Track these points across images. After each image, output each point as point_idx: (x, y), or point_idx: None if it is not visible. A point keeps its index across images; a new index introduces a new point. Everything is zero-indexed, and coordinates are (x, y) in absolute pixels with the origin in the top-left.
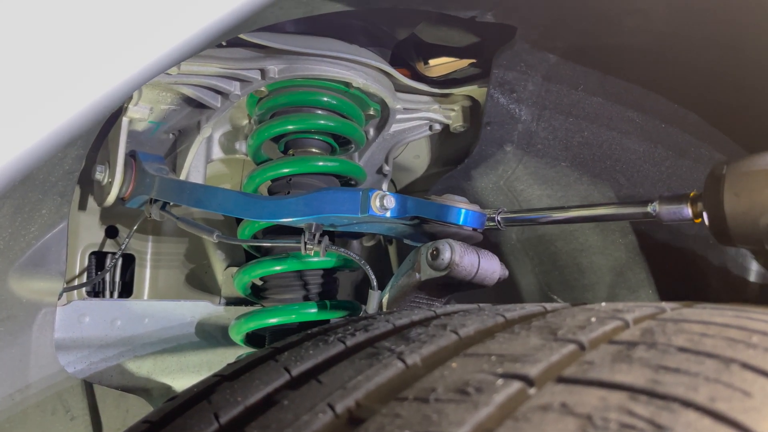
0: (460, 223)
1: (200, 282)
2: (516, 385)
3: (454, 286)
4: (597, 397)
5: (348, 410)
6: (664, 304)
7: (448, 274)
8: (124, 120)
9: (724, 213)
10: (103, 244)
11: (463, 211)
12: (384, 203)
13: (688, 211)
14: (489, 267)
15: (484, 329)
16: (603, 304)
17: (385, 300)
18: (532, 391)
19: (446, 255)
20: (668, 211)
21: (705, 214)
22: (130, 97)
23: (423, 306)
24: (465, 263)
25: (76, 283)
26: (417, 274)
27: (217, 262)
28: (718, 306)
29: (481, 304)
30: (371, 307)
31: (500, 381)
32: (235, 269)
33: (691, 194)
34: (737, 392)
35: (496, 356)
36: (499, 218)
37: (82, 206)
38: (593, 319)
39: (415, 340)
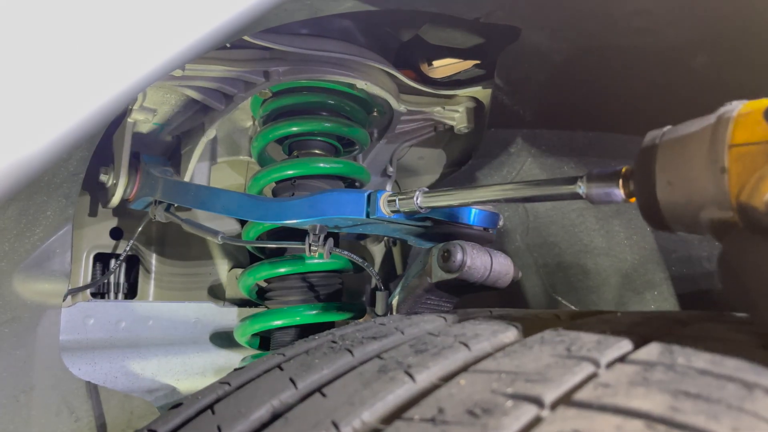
0: (472, 223)
1: (204, 283)
2: (527, 408)
3: (465, 288)
4: (612, 425)
5: (353, 430)
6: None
7: (459, 276)
8: (129, 122)
9: (657, 202)
10: (108, 246)
11: (475, 210)
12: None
13: (618, 192)
14: (502, 269)
15: (495, 341)
16: (619, 313)
17: (395, 302)
18: (543, 414)
19: (458, 257)
20: (597, 192)
21: (636, 200)
22: (135, 99)
23: (434, 308)
24: (477, 265)
25: (80, 284)
26: (428, 276)
27: (222, 264)
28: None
29: (492, 309)
30: (380, 308)
31: (510, 402)
32: (239, 271)
33: (623, 170)
34: (762, 422)
35: (506, 374)
36: (418, 201)
37: (87, 208)
38: (608, 334)
39: (423, 352)
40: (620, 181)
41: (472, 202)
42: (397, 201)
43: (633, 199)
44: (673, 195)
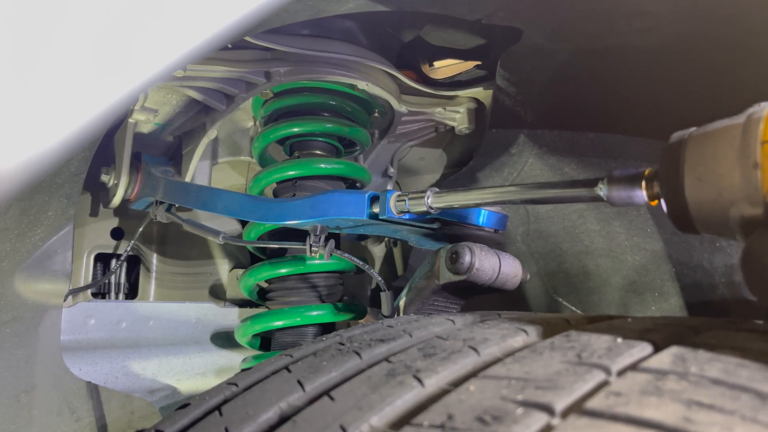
0: (481, 224)
1: (205, 284)
2: (537, 417)
3: (473, 290)
4: None
5: None
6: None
7: (468, 278)
8: (130, 122)
9: (686, 201)
10: (109, 246)
11: (484, 212)
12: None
13: (641, 194)
14: (510, 271)
15: (505, 346)
16: (630, 319)
17: (402, 303)
18: (554, 422)
19: (466, 259)
20: (619, 194)
21: (663, 201)
22: (136, 99)
23: (441, 309)
24: (485, 267)
25: (81, 284)
26: (436, 277)
27: (223, 264)
28: (749, 324)
29: (501, 312)
30: (385, 309)
31: (520, 410)
32: (240, 271)
33: (646, 172)
34: None
35: (516, 380)
36: (429, 201)
37: (88, 208)
38: (619, 340)
39: (432, 356)
40: (643, 183)
41: (485, 203)
42: (406, 201)
43: (654, 202)
44: (702, 192)
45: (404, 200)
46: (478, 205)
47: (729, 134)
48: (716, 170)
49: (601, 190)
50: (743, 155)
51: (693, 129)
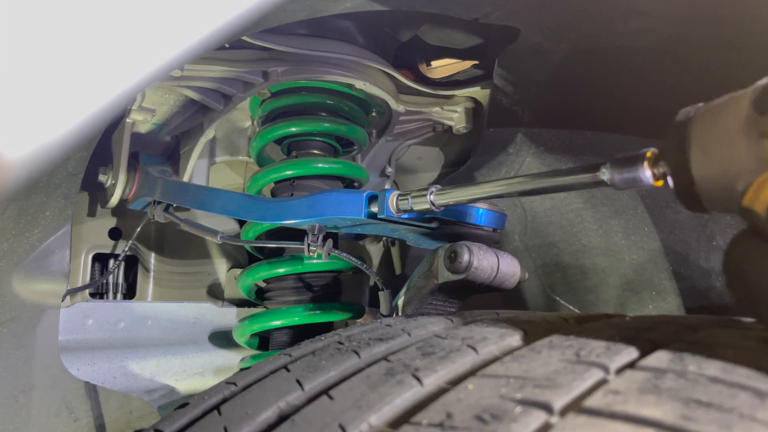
0: (480, 223)
1: (203, 283)
2: (536, 415)
3: (472, 289)
4: None
5: None
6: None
7: (466, 277)
8: (128, 122)
9: (692, 176)
10: (106, 246)
11: (483, 210)
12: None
13: (646, 174)
14: (508, 270)
15: (503, 344)
16: (628, 317)
17: (400, 302)
18: (553, 420)
19: (464, 258)
20: (623, 177)
21: (669, 178)
22: (134, 99)
23: (439, 309)
24: (484, 266)
25: (79, 284)
26: (434, 277)
27: (220, 264)
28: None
29: (499, 312)
30: (384, 308)
31: (519, 408)
32: (238, 271)
33: (648, 153)
34: None
35: (514, 378)
36: (432, 198)
37: (86, 208)
38: (617, 339)
39: (430, 355)
40: (647, 163)
41: (487, 197)
42: (409, 199)
43: (659, 182)
44: (708, 166)
45: (407, 198)
46: (482, 199)
47: (735, 106)
48: (722, 142)
49: (604, 174)
50: (750, 125)
51: (700, 104)
